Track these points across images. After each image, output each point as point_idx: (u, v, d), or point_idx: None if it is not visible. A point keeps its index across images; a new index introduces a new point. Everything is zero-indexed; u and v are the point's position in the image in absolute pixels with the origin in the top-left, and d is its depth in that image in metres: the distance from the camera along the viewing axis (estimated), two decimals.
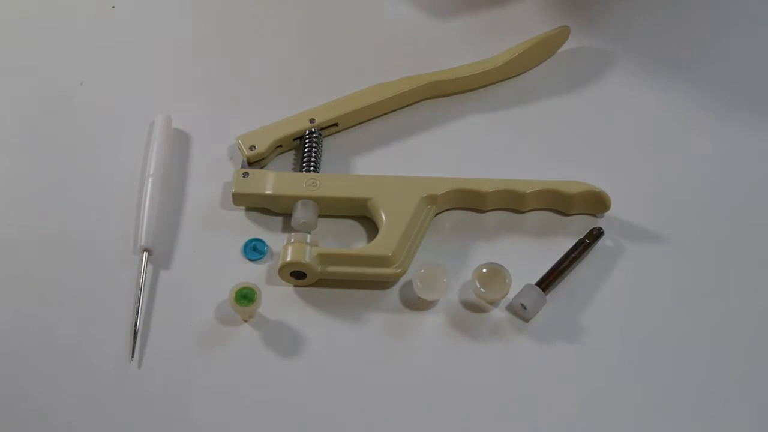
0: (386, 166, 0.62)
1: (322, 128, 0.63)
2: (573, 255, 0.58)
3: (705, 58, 0.69)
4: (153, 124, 0.64)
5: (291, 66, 0.69)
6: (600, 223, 0.60)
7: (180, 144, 0.64)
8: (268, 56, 0.69)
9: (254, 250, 0.59)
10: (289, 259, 0.55)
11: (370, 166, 0.63)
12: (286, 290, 0.57)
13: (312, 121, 0.63)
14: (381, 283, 0.58)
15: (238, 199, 0.60)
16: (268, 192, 0.59)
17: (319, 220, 0.59)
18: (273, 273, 0.57)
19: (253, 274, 0.58)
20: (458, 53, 0.68)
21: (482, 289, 0.56)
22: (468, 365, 0.55)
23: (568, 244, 0.59)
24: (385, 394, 0.54)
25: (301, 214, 0.58)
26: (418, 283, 0.56)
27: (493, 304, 0.57)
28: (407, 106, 0.66)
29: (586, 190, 0.60)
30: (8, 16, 0.72)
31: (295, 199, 0.59)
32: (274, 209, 0.60)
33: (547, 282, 0.57)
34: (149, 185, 0.60)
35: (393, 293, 0.57)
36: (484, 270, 0.56)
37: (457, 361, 0.55)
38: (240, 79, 0.67)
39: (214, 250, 0.59)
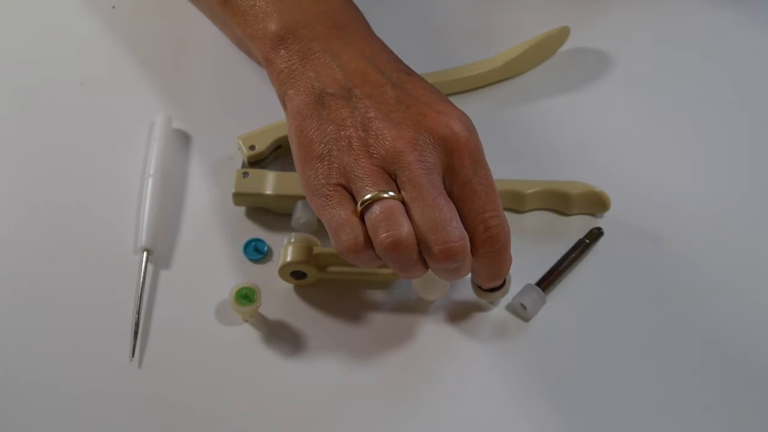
0: None
1: None
2: (573, 255, 0.58)
3: (704, 59, 0.69)
4: (153, 124, 0.64)
5: None
6: (600, 223, 0.60)
7: (180, 144, 0.64)
8: None
9: (255, 250, 0.59)
10: (289, 259, 0.55)
11: None
12: (286, 290, 0.57)
13: None
14: (381, 283, 0.58)
15: (238, 199, 0.60)
16: (268, 192, 0.59)
17: (319, 220, 0.59)
18: (273, 273, 0.57)
19: (254, 274, 0.58)
20: (458, 53, 0.68)
21: (482, 289, 0.56)
22: (468, 365, 0.55)
23: (568, 244, 0.59)
24: (385, 394, 0.54)
25: (301, 214, 0.58)
26: (418, 283, 0.56)
27: (493, 303, 0.57)
28: None
29: (586, 190, 0.60)
30: (8, 16, 0.72)
31: (295, 199, 0.59)
32: (274, 209, 0.60)
33: (547, 282, 0.57)
34: (149, 185, 0.60)
35: (393, 293, 0.57)
36: None
37: (458, 361, 0.55)
38: (240, 79, 0.67)
39: (214, 250, 0.59)
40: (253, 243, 0.59)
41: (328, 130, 0.51)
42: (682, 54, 0.70)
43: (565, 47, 0.69)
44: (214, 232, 0.60)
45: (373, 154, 0.50)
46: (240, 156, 0.62)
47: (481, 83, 0.67)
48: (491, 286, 0.54)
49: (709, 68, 0.69)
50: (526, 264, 0.57)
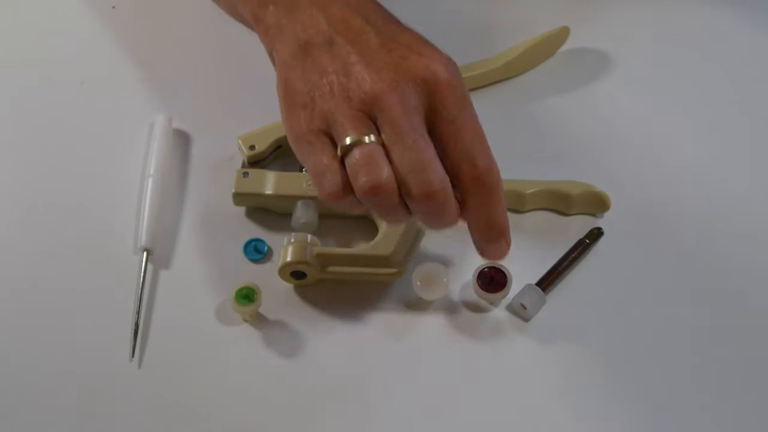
0: None
1: None
2: (573, 255, 0.58)
3: (704, 59, 0.69)
4: (153, 124, 0.64)
5: None
6: (600, 223, 0.60)
7: (180, 144, 0.64)
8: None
9: (255, 250, 0.59)
10: (289, 259, 0.55)
11: None
12: (286, 290, 0.57)
13: None
14: (381, 283, 0.58)
15: (238, 199, 0.60)
16: (268, 192, 0.59)
17: (319, 220, 0.59)
18: (273, 273, 0.57)
19: (254, 274, 0.58)
20: (459, 53, 0.67)
21: (483, 289, 0.56)
22: (468, 365, 0.55)
23: (568, 244, 0.59)
24: (384, 394, 0.54)
25: (301, 214, 0.58)
26: (418, 283, 0.56)
27: (493, 304, 0.57)
28: None
29: (586, 190, 0.60)
30: (8, 16, 0.72)
31: (295, 199, 0.59)
32: (274, 209, 0.60)
33: (547, 282, 0.57)
34: (149, 185, 0.60)
35: (393, 293, 0.57)
36: (485, 269, 0.56)
37: (457, 361, 0.55)
38: (240, 79, 0.67)
39: (214, 250, 0.59)
40: (253, 243, 0.59)
41: (312, 78, 0.51)
42: (682, 54, 0.70)
43: (565, 47, 0.69)
44: (214, 232, 0.60)
45: (353, 98, 0.49)
46: (240, 156, 0.62)
47: (481, 83, 0.67)
48: (491, 244, 0.51)
49: (709, 68, 0.69)
50: (526, 264, 0.57)
